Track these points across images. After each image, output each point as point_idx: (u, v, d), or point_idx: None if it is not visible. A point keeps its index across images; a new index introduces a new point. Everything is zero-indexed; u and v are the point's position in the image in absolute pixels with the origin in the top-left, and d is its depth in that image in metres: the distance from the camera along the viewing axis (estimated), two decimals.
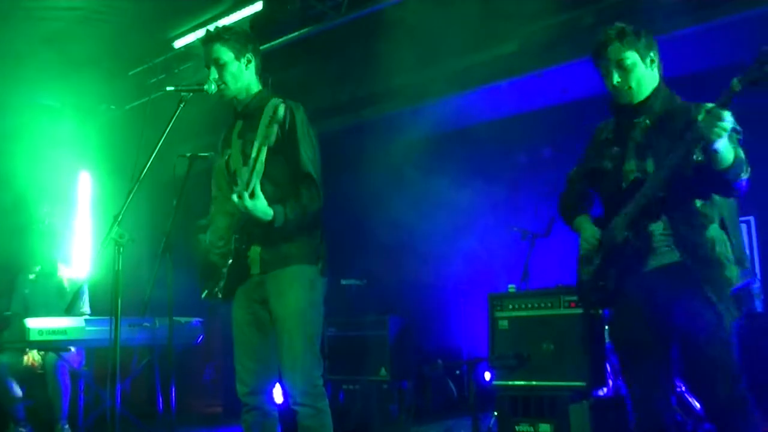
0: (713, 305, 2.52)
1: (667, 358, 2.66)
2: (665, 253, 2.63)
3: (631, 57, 2.70)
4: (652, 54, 2.73)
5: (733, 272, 2.58)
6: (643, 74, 2.72)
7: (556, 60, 5.83)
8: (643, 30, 2.73)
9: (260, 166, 2.74)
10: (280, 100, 3.07)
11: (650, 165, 2.66)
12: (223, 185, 3.16)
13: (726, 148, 2.42)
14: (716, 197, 2.65)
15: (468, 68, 6.30)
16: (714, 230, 2.61)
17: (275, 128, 2.72)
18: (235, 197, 2.71)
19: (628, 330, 2.73)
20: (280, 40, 6.19)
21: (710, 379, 2.52)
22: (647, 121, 2.73)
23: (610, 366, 5.05)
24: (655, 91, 2.74)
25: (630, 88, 2.72)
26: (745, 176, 2.51)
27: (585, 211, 2.98)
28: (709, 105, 2.42)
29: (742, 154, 2.52)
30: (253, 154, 2.79)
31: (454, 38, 5.86)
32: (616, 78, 2.73)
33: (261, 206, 2.74)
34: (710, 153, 2.43)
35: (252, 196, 2.70)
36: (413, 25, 5.62)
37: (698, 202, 2.63)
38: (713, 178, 2.50)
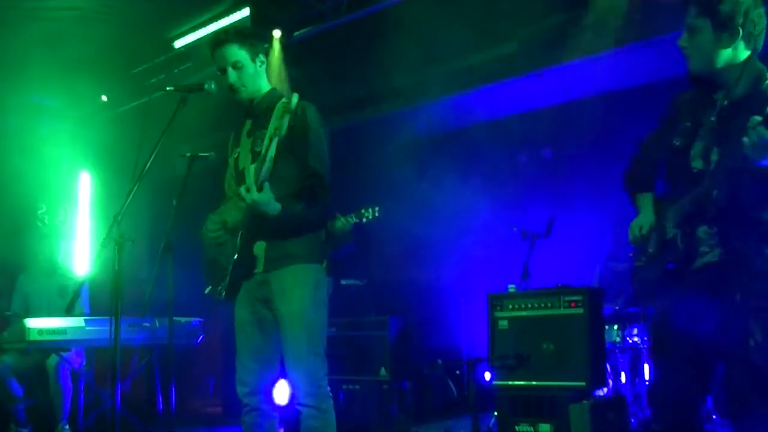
0: (747, 319, 2.28)
1: (705, 364, 2.44)
2: (707, 255, 2.39)
3: (699, 24, 2.46)
4: (733, 29, 2.39)
5: None
6: (713, 47, 2.43)
7: (556, 60, 5.83)
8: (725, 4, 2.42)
9: (269, 162, 2.72)
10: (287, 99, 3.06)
11: (715, 155, 2.39)
12: (232, 184, 3.16)
13: None
14: None
15: (468, 68, 6.30)
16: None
17: (287, 118, 2.68)
18: (243, 190, 2.71)
19: (668, 331, 2.49)
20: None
21: (738, 394, 2.32)
22: (725, 102, 2.43)
23: (610, 366, 5.06)
24: (738, 66, 2.42)
25: (691, 56, 2.49)
26: None
27: (650, 187, 2.70)
28: (758, 117, 2.14)
29: None
30: (263, 149, 2.78)
31: (454, 38, 5.86)
32: (681, 39, 2.52)
33: (269, 200, 2.73)
34: (760, 170, 2.18)
35: (260, 189, 2.69)
36: (413, 25, 5.62)
37: (762, 213, 2.32)
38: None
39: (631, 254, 2.67)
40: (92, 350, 5.44)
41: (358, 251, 5.98)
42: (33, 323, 4.69)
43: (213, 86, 3.00)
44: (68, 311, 5.34)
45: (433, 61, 6.28)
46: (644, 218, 2.60)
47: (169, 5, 6.17)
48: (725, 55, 2.42)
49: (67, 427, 5.18)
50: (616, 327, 5.26)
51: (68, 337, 4.78)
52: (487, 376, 5.13)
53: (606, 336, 4.97)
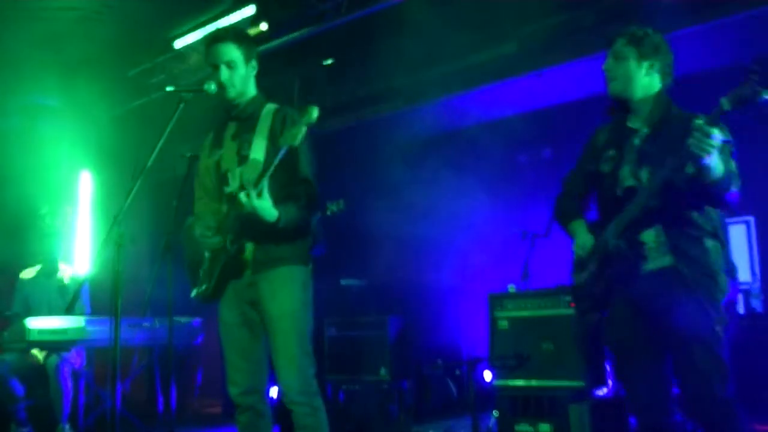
0: (706, 310, 2.55)
1: (663, 359, 2.68)
2: (658, 258, 2.66)
3: (626, 52, 2.79)
4: (655, 61, 2.76)
5: (725, 283, 2.61)
6: (635, 73, 2.77)
7: (556, 60, 5.82)
8: (652, 35, 2.78)
9: (272, 169, 2.73)
10: (276, 105, 3.08)
11: (645, 174, 2.69)
12: (208, 186, 3.16)
13: (715, 163, 2.45)
14: (709, 209, 2.67)
15: (468, 68, 6.30)
16: (709, 241, 2.63)
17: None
18: (243, 196, 2.71)
19: (622, 332, 2.76)
20: (280, 40, 6.19)
21: (701, 380, 2.54)
22: (645, 129, 2.77)
23: (610, 366, 5.06)
24: (654, 98, 2.78)
25: (614, 78, 2.82)
26: (735, 189, 2.53)
27: (580, 215, 3.00)
28: (700, 121, 2.45)
29: (733, 167, 2.55)
30: (255, 155, 2.82)
31: (454, 38, 5.86)
32: (606, 63, 2.86)
33: (267, 206, 2.75)
34: (700, 167, 2.46)
35: (259, 195, 2.71)
36: (413, 25, 5.62)
37: (694, 213, 2.64)
38: (704, 191, 2.53)
39: (571, 274, 2.96)
40: (92, 350, 5.45)
41: (359, 251, 5.99)
42: (33, 323, 4.69)
43: (213, 87, 3.00)
44: (68, 311, 5.36)
45: (432, 61, 6.28)
46: (585, 238, 2.88)
47: (169, 5, 6.17)
48: (643, 82, 2.77)
49: (68, 426, 5.18)
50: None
51: (68, 336, 4.79)
52: (487, 376, 5.13)
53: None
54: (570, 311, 4.48)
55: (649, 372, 2.69)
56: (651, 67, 2.77)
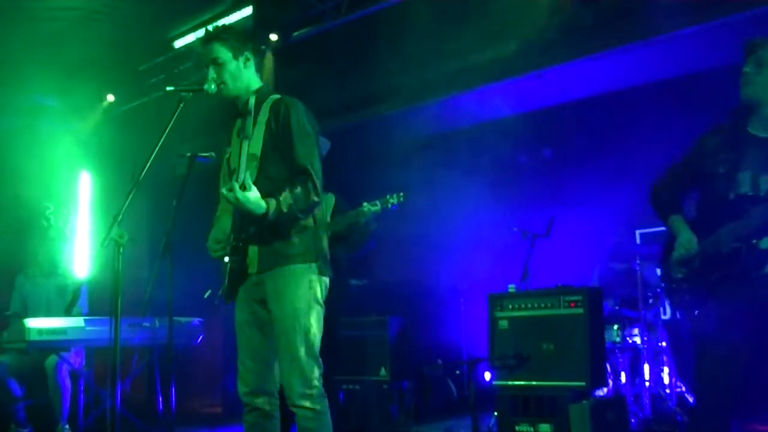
0: None
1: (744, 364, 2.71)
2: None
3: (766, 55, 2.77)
4: None
5: None
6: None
7: (556, 60, 5.83)
8: None
9: (254, 162, 2.77)
10: (276, 96, 3.06)
11: (764, 182, 2.70)
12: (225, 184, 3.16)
13: None
14: None
15: (468, 68, 6.30)
16: None
17: (262, 125, 2.74)
18: (224, 190, 2.71)
19: (724, 332, 2.74)
20: (280, 40, 6.19)
21: None
22: None
23: (610, 366, 5.06)
24: None
25: (752, 83, 2.78)
26: None
27: (680, 211, 3.01)
28: None
29: None
30: (253, 150, 2.83)
31: (454, 38, 5.86)
32: (747, 66, 2.80)
33: (253, 198, 2.71)
34: None
35: (243, 188, 2.69)
36: (413, 25, 5.62)
37: None
38: None
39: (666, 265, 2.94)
40: (92, 350, 5.44)
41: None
42: (33, 323, 4.69)
43: (213, 86, 3.00)
44: (68, 311, 5.36)
45: (432, 61, 6.28)
46: (690, 236, 2.88)
47: (169, 5, 6.17)
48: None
49: (67, 426, 5.18)
50: (616, 327, 5.26)
51: (68, 337, 4.79)
52: (487, 376, 5.14)
53: (606, 336, 4.97)
54: (570, 311, 4.48)
55: (732, 376, 2.71)
56: None
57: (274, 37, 6.13)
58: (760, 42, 2.80)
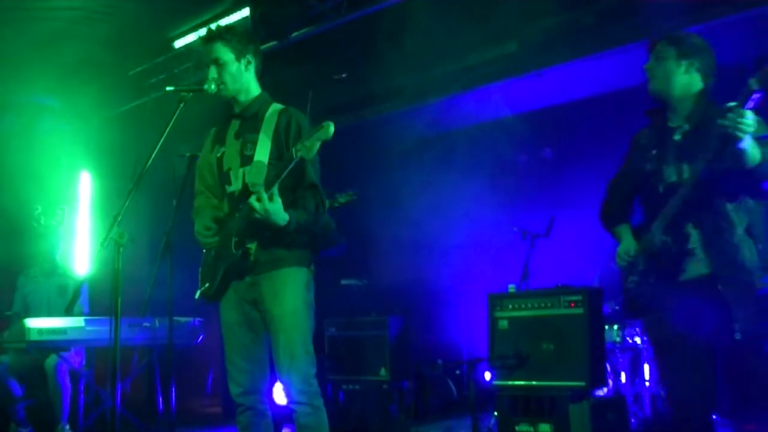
0: (731, 318, 2.59)
1: (705, 359, 2.71)
2: (698, 262, 2.71)
3: (666, 52, 2.86)
4: (694, 60, 2.83)
5: (755, 278, 2.64)
6: (674, 71, 2.84)
7: (556, 60, 5.82)
8: (693, 37, 2.87)
9: (272, 172, 2.79)
10: (281, 106, 3.08)
11: (686, 169, 2.76)
12: (209, 182, 3.16)
13: (751, 148, 2.50)
14: (749, 202, 2.70)
15: (468, 68, 6.29)
16: (739, 236, 2.66)
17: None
18: (254, 200, 2.73)
19: (667, 339, 2.80)
20: (281, 40, 6.18)
21: (741, 384, 2.67)
22: (686, 126, 2.84)
23: (610, 366, 5.06)
24: (694, 96, 2.85)
25: (654, 77, 2.89)
26: None
27: (624, 220, 3.07)
28: (733, 103, 2.51)
29: None
30: (259, 156, 2.86)
31: (454, 38, 5.86)
32: (648, 63, 2.93)
33: (279, 210, 2.77)
34: (736, 152, 2.50)
35: (271, 199, 2.72)
36: (413, 25, 5.61)
37: (729, 206, 2.69)
38: (741, 179, 2.58)
39: (622, 279, 2.96)
40: (92, 350, 5.45)
41: (358, 251, 5.99)
42: (33, 323, 4.69)
43: (213, 86, 3.01)
44: (68, 311, 5.37)
45: (432, 61, 6.28)
46: (629, 244, 2.94)
47: (169, 5, 6.16)
48: (682, 80, 2.83)
49: (68, 426, 5.18)
50: (616, 327, 5.26)
51: (68, 337, 4.79)
52: (487, 376, 5.13)
53: (606, 336, 4.97)
54: (570, 311, 4.48)
55: (692, 379, 2.72)
56: (690, 65, 2.84)
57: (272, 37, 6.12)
58: (658, 37, 2.92)
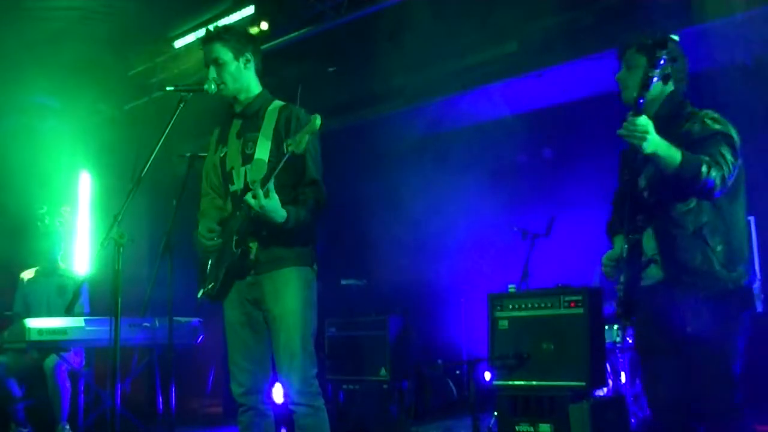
0: (698, 313, 2.58)
1: (679, 361, 2.69)
2: (653, 269, 2.72)
3: (637, 61, 2.79)
4: (667, 68, 2.71)
5: (703, 279, 2.61)
6: (641, 76, 2.73)
7: (556, 60, 5.83)
8: (663, 40, 2.72)
9: (259, 165, 2.80)
10: (281, 103, 3.08)
11: (642, 179, 2.77)
12: (215, 182, 3.17)
13: (662, 153, 2.49)
14: (703, 203, 2.66)
15: (468, 68, 6.30)
16: (687, 238, 2.65)
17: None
18: (250, 197, 2.73)
19: (644, 339, 2.83)
20: (280, 40, 6.19)
21: (706, 387, 2.57)
22: None
23: (610, 366, 5.06)
24: (664, 99, 2.80)
25: (627, 87, 2.82)
26: (711, 177, 2.51)
27: (620, 230, 3.01)
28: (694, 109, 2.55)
29: (717, 153, 2.56)
30: (260, 155, 2.86)
31: (454, 38, 5.86)
32: (619, 74, 2.87)
33: (276, 207, 2.76)
34: (651, 158, 2.53)
35: (267, 195, 2.72)
36: (413, 25, 5.62)
37: (681, 207, 2.66)
38: (672, 183, 2.57)
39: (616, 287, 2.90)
40: (92, 350, 5.44)
41: (359, 251, 5.98)
42: (33, 323, 4.69)
43: (213, 86, 3.01)
44: (68, 311, 5.36)
45: (432, 61, 6.28)
46: (613, 251, 2.93)
47: (169, 5, 6.16)
48: (656, 89, 2.72)
49: (68, 426, 5.18)
50: (616, 327, 5.26)
51: (68, 337, 4.78)
52: (487, 376, 5.13)
53: (606, 336, 4.96)
54: (570, 311, 4.48)
55: (668, 374, 2.72)
56: (661, 73, 2.71)
57: (264, 25, 6.11)
58: (627, 44, 2.85)
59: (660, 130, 2.61)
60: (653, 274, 2.73)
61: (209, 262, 3.06)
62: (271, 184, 2.74)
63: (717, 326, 2.56)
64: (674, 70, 2.77)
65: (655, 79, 2.58)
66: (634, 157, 2.82)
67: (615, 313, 2.93)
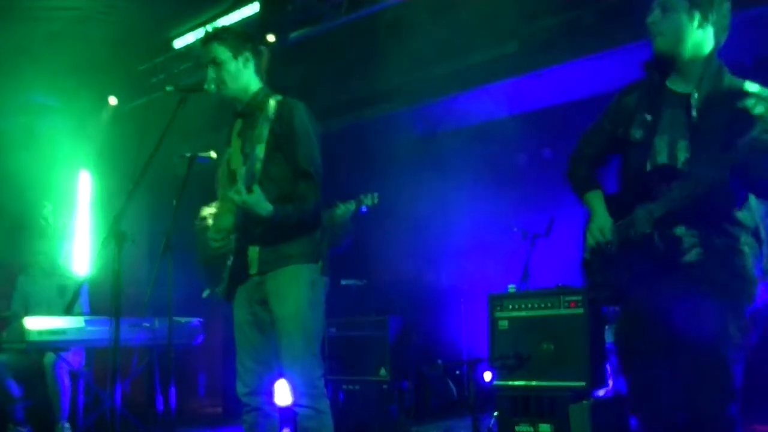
0: (726, 318, 2.26)
1: (673, 362, 2.41)
2: (688, 253, 2.33)
3: (675, 3, 2.40)
4: (710, 12, 2.36)
5: (755, 288, 2.28)
6: (686, 27, 2.37)
7: (556, 60, 5.82)
8: None
9: (258, 163, 2.80)
10: (279, 97, 3.07)
11: (682, 151, 2.33)
12: (225, 184, 3.17)
13: None
14: (751, 201, 2.31)
15: (468, 68, 6.29)
16: (747, 241, 2.29)
17: (266, 126, 2.75)
18: (232, 193, 2.73)
19: (637, 335, 2.48)
20: (280, 40, 6.19)
21: (702, 392, 2.30)
22: (695, 95, 2.37)
23: (610, 366, 5.06)
24: (705, 60, 2.38)
25: (660, 33, 2.43)
26: None
27: (597, 185, 2.65)
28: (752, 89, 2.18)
29: None
30: (257, 152, 2.86)
31: (454, 38, 5.86)
32: (651, 16, 2.46)
33: (258, 200, 2.75)
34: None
35: (249, 191, 2.72)
36: (413, 24, 5.62)
37: (736, 209, 2.30)
38: (760, 183, 2.21)
39: (587, 257, 2.58)
40: (92, 350, 5.44)
41: (358, 251, 5.98)
42: (32, 323, 4.69)
43: (213, 86, 3.01)
44: (68, 311, 5.36)
45: (432, 61, 6.28)
46: (603, 221, 2.52)
47: (169, 5, 6.17)
48: (695, 37, 2.37)
49: (67, 425, 5.18)
50: (616, 327, 5.26)
51: (68, 337, 4.79)
52: (487, 376, 5.13)
53: (606, 336, 4.97)
54: (570, 311, 4.48)
55: (659, 375, 2.42)
56: (705, 19, 2.37)
57: (271, 37, 6.13)
58: None
59: (708, 108, 2.26)
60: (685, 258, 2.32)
61: (216, 264, 3.06)
62: (254, 179, 2.75)
63: (720, 327, 2.29)
64: (717, 15, 2.37)
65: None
66: (653, 110, 2.39)
67: (597, 295, 2.63)
